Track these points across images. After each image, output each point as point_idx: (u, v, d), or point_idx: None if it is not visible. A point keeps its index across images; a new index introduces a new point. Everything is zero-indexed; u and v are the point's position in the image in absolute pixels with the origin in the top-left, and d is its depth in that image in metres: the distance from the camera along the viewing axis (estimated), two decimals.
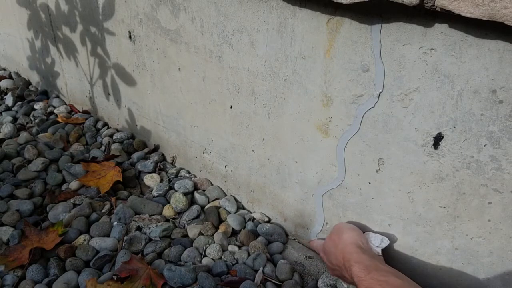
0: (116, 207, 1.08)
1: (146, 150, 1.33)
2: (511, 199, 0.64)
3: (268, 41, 0.83)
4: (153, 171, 1.25)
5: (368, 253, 0.72)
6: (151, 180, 1.21)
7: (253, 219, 1.06)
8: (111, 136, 1.41)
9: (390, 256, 0.84)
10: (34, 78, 1.80)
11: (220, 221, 1.05)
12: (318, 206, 0.92)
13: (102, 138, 1.40)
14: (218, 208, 1.08)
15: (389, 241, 0.80)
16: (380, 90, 0.71)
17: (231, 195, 1.13)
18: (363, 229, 0.84)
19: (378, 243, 0.80)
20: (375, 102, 0.73)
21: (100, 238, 0.98)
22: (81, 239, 0.98)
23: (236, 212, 1.08)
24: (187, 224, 1.05)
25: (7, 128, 1.44)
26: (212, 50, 0.96)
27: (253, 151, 1.00)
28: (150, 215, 1.07)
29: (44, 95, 1.73)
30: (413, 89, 0.67)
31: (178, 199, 1.09)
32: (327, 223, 0.93)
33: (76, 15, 1.34)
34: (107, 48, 1.30)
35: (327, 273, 0.89)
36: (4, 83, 1.81)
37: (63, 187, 1.18)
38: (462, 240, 0.72)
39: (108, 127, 1.49)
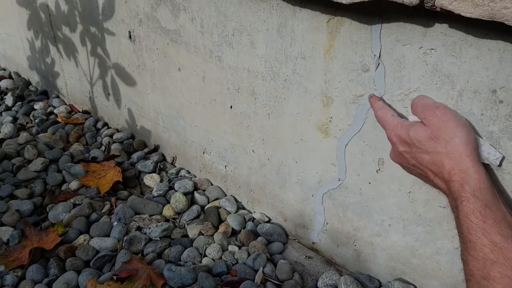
0: (116, 207, 1.08)
1: (146, 150, 1.33)
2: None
3: (268, 41, 0.83)
4: (153, 171, 1.25)
5: (489, 179, 0.51)
6: (151, 180, 1.21)
7: (253, 219, 1.06)
8: (111, 136, 1.41)
9: (390, 256, 0.84)
10: (34, 78, 1.80)
11: (220, 221, 1.05)
12: (318, 206, 0.92)
13: (102, 138, 1.40)
14: (218, 208, 1.08)
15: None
16: (382, 94, 0.71)
17: (231, 195, 1.13)
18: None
19: (493, 157, 0.58)
20: None
21: (100, 238, 0.98)
22: (81, 239, 0.98)
23: (236, 212, 1.08)
24: (187, 224, 1.05)
25: (7, 128, 1.43)
26: (212, 50, 0.96)
27: (253, 151, 1.00)
28: (150, 215, 1.07)
29: (44, 95, 1.72)
30: (413, 89, 0.67)
31: (178, 199, 1.09)
32: (327, 223, 0.93)
33: (76, 15, 1.34)
34: (107, 48, 1.30)
35: (327, 273, 0.89)
36: (4, 83, 1.81)
37: (63, 187, 1.18)
38: None
39: (108, 127, 1.49)
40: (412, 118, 0.62)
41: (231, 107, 0.99)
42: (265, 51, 0.85)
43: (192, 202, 1.13)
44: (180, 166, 1.27)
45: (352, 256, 0.91)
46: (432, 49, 0.63)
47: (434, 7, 0.56)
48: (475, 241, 0.46)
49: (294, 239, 1.03)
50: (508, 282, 0.44)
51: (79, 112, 1.59)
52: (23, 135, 1.38)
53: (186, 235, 1.02)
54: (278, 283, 0.89)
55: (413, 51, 0.64)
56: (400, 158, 0.63)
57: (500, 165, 0.59)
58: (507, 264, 0.44)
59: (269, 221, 1.06)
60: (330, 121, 0.81)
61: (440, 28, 0.61)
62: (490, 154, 0.58)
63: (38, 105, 1.62)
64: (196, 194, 1.13)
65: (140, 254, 0.95)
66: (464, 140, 0.53)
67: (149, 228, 1.02)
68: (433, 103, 0.59)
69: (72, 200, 1.10)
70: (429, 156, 0.55)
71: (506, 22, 0.50)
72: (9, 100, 1.67)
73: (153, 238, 0.99)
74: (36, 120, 1.51)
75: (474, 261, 0.47)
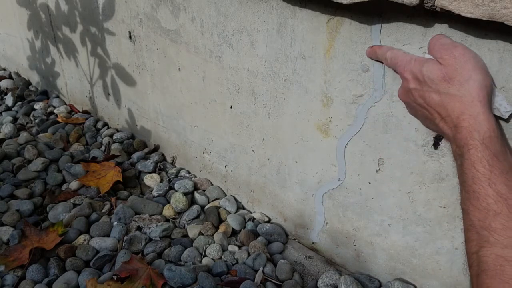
0: (116, 207, 1.08)
1: (146, 150, 1.33)
2: None
3: (268, 41, 0.83)
4: (153, 171, 1.25)
5: (499, 127, 0.49)
6: (151, 180, 1.21)
7: (253, 219, 1.06)
8: (111, 136, 1.41)
9: (390, 256, 0.84)
10: (34, 78, 1.80)
11: (220, 221, 1.05)
12: (318, 206, 0.92)
13: (102, 138, 1.40)
14: (218, 208, 1.08)
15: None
16: (383, 93, 0.71)
17: (231, 195, 1.13)
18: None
19: (504, 109, 0.54)
20: (375, 102, 0.73)
21: (100, 238, 0.98)
22: (81, 239, 0.98)
23: (236, 212, 1.08)
24: (187, 224, 1.05)
25: (7, 128, 1.44)
26: (212, 50, 0.96)
27: (253, 151, 1.00)
28: (150, 215, 1.07)
29: (44, 95, 1.73)
30: None
31: (178, 199, 1.09)
32: (327, 223, 0.93)
33: (76, 15, 1.34)
34: (107, 48, 1.30)
35: (327, 273, 0.89)
36: (4, 83, 1.81)
37: (63, 187, 1.18)
38: (462, 240, 0.72)
39: (108, 127, 1.49)
40: (428, 56, 0.59)
41: (231, 107, 1.00)
42: (265, 51, 0.85)
43: (192, 202, 1.13)
44: (180, 166, 1.28)
45: (352, 256, 0.91)
46: None
47: (434, 7, 0.56)
48: (479, 191, 0.44)
49: (294, 239, 1.03)
50: (510, 234, 0.43)
51: (79, 112, 1.59)
52: (23, 135, 1.38)
53: (186, 235, 1.02)
54: (278, 283, 0.89)
55: (413, 51, 0.64)
56: (408, 96, 0.59)
57: (508, 119, 0.57)
58: (510, 216, 0.43)
59: (269, 221, 1.06)
60: (330, 121, 0.81)
61: (440, 28, 0.61)
62: (502, 106, 0.54)
63: (38, 105, 1.62)
64: (196, 194, 1.13)
65: (140, 254, 0.95)
66: (479, 84, 0.50)
67: (149, 228, 1.02)
68: (452, 42, 0.55)
69: (72, 200, 1.10)
70: (439, 97, 0.52)
71: (506, 22, 0.50)
72: (9, 100, 1.67)
73: (153, 238, 0.99)
74: (36, 120, 1.51)
75: (476, 211, 0.45)
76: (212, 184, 1.18)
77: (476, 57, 0.54)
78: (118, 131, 1.44)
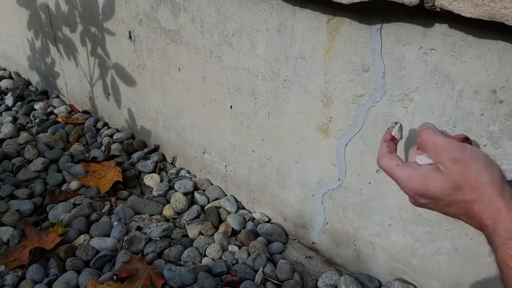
0: (116, 207, 1.08)
1: (146, 150, 1.33)
2: None
3: (268, 41, 0.83)
4: (153, 171, 1.25)
5: None
6: (151, 180, 1.21)
7: (253, 219, 1.06)
8: (111, 136, 1.41)
9: (390, 256, 0.84)
10: (34, 78, 1.80)
11: (220, 221, 1.05)
12: (318, 206, 0.92)
13: (102, 138, 1.40)
14: (218, 208, 1.08)
15: None
16: (383, 93, 0.71)
17: (231, 195, 1.13)
18: None
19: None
20: (375, 102, 0.73)
21: (100, 238, 0.98)
22: (81, 239, 0.98)
23: (236, 212, 1.08)
24: (187, 224, 1.05)
25: (7, 128, 1.43)
26: (212, 50, 0.96)
27: (253, 151, 1.00)
28: (150, 215, 1.07)
29: (44, 95, 1.73)
30: (413, 89, 0.67)
31: (178, 199, 1.09)
32: (327, 223, 0.93)
33: (76, 15, 1.34)
34: (107, 48, 1.30)
35: (327, 273, 0.89)
36: (4, 83, 1.81)
37: (63, 187, 1.18)
38: (462, 240, 0.72)
39: (108, 127, 1.49)
40: (421, 160, 0.52)
41: (231, 107, 1.00)
42: (265, 51, 0.85)
43: (192, 202, 1.13)
44: (180, 166, 1.27)
45: (352, 256, 0.91)
46: (432, 49, 0.63)
47: (434, 7, 0.56)
48: (504, 258, 0.44)
49: (294, 239, 1.03)
50: None
51: (79, 112, 1.59)
52: (23, 135, 1.38)
53: (186, 235, 1.02)
54: (278, 283, 0.89)
55: (413, 51, 0.64)
56: (425, 207, 0.55)
57: None
58: None
59: (269, 221, 1.06)
60: (330, 121, 0.81)
61: (440, 28, 0.61)
62: (510, 165, 0.51)
63: (38, 105, 1.62)
64: (196, 194, 1.13)
65: (140, 254, 0.95)
66: (490, 179, 0.47)
67: (149, 228, 1.02)
68: (446, 142, 0.50)
69: (72, 200, 1.10)
70: (457, 205, 0.50)
71: (506, 22, 0.50)
72: (9, 100, 1.67)
73: (153, 238, 0.99)
74: (36, 120, 1.51)
75: None
76: (212, 184, 1.18)
77: (472, 152, 0.50)
78: (118, 131, 1.44)
